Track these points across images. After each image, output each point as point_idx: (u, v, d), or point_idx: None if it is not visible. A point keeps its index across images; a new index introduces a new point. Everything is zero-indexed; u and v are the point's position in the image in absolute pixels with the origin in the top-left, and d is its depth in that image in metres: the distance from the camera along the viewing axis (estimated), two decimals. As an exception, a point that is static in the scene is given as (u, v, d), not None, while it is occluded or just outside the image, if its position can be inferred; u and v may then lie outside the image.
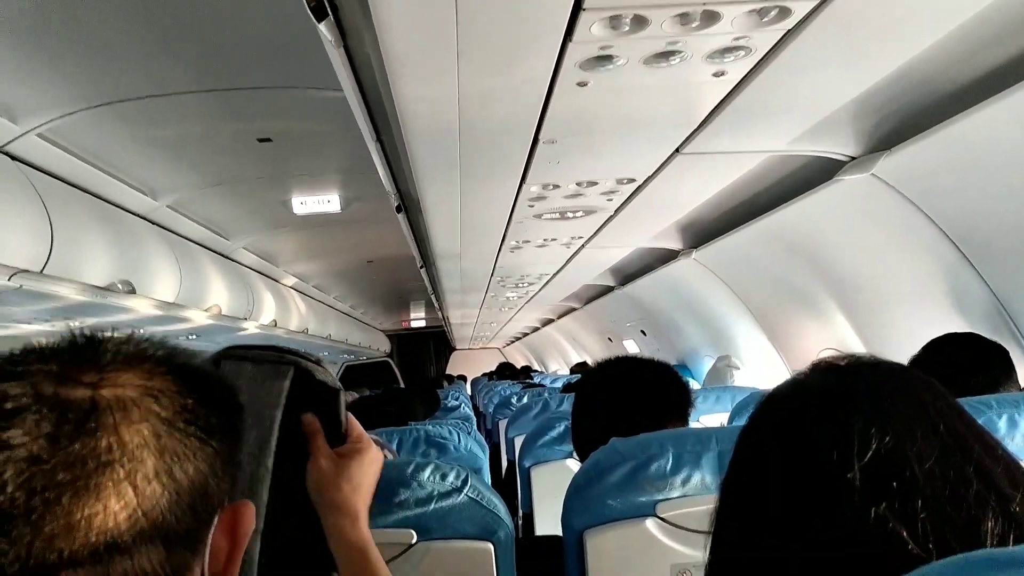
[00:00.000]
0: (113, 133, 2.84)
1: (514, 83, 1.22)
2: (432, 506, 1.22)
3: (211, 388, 0.56)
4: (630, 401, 1.48)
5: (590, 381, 1.57)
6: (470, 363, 13.65)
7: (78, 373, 0.49)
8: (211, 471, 0.52)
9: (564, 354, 9.69)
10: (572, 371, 6.83)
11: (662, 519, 1.27)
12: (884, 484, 0.54)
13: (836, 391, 0.61)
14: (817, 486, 0.57)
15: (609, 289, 5.11)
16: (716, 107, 1.57)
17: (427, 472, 1.23)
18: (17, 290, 2.56)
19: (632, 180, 2.03)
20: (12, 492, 0.44)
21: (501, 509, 1.27)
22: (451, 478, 1.24)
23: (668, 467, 1.28)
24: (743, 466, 0.67)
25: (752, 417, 0.68)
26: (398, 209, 2.59)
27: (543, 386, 5.15)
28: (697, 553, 1.27)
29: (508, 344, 14.27)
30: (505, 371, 7.87)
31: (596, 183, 2.03)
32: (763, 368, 3.55)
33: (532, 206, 2.20)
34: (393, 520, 1.20)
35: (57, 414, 0.46)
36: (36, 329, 3.53)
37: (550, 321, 8.60)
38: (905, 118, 1.89)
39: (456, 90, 1.22)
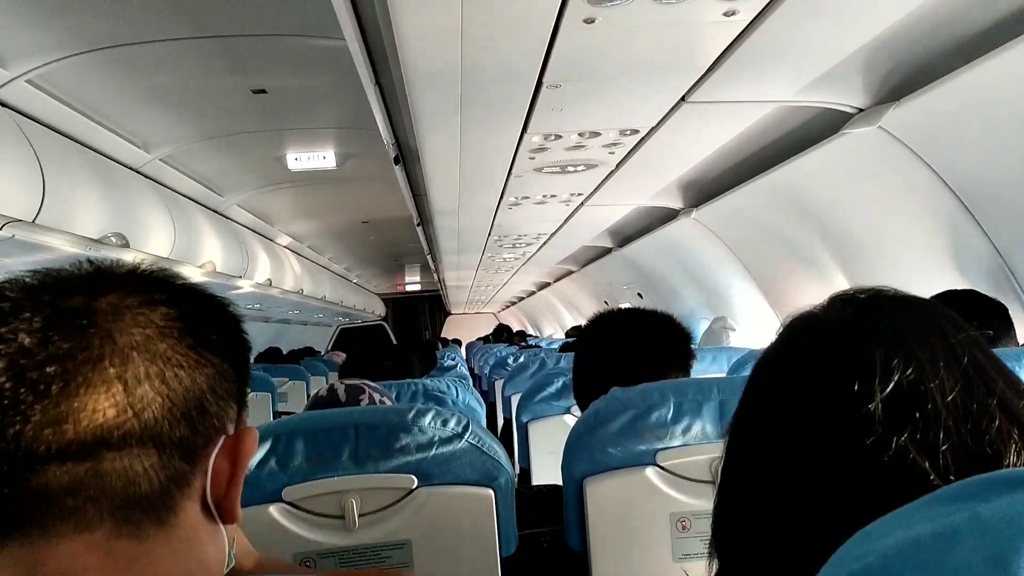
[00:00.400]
0: (104, 81, 2.78)
1: (519, 16, 1.18)
2: (433, 452, 1.21)
3: (210, 308, 0.55)
4: (632, 351, 1.47)
5: (592, 332, 1.56)
6: (465, 328, 13.67)
7: (77, 285, 0.50)
8: (209, 388, 0.51)
9: (559, 318, 9.71)
10: (567, 335, 6.85)
11: (662, 468, 1.27)
12: (906, 415, 0.53)
13: (856, 323, 0.59)
14: (835, 419, 0.56)
15: (607, 251, 5.09)
16: (725, 51, 1.53)
17: (428, 418, 1.22)
18: (9, 240, 2.52)
19: (635, 131, 2.00)
20: (2, 382, 0.44)
21: (502, 456, 1.26)
22: (452, 424, 1.23)
23: (669, 416, 1.27)
24: (755, 403, 0.66)
25: (765, 353, 0.67)
26: (396, 160, 2.54)
27: (539, 347, 5.16)
28: (697, 502, 1.28)
29: (503, 309, 14.29)
30: (502, 333, 7.88)
31: (599, 134, 1.99)
32: (759, 329, 3.55)
33: (533, 158, 2.16)
34: (393, 465, 1.19)
35: (50, 313, 0.47)
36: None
37: (546, 285, 8.59)
38: (916, 68, 1.85)
39: (459, 24, 1.18)
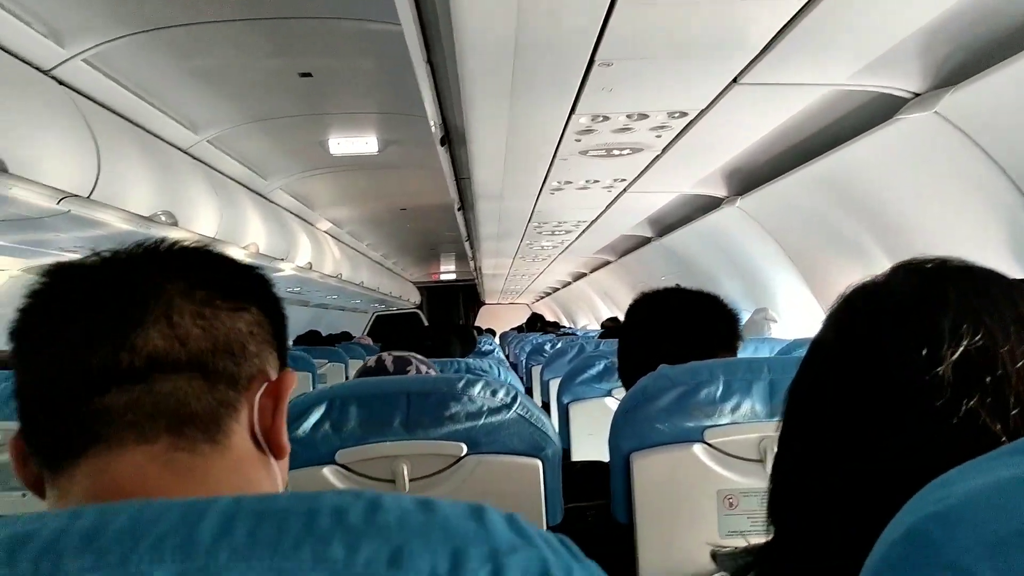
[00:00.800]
0: (156, 61, 2.84)
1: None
2: (482, 421, 1.22)
3: (242, 269, 0.62)
4: (678, 331, 1.46)
5: (638, 311, 1.55)
6: (498, 318, 13.71)
7: (125, 256, 0.58)
8: (248, 332, 0.58)
9: (594, 309, 9.67)
10: (603, 326, 6.81)
11: (710, 445, 1.27)
12: (974, 380, 0.52)
13: (923, 291, 0.58)
14: (901, 385, 0.55)
15: (646, 241, 5.05)
16: (780, 31, 1.51)
17: (477, 388, 1.23)
18: (64, 215, 2.59)
19: (684, 114, 1.98)
20: (70, 326, 0.53)
21: (549, 428, 1.27)
22: (501, 395, 1.24)
23: (718, 394, 1.27)
24: (814, 373, 0.65)
25: (825, 323, 0.66)
26: (442, 142, 2.56)
27: (576, 335, 5.16)
28: (745, 480, 1.27)
29: (537, 299, 14.29)
30: (535, 323, 7.86)
31: (647, 116, 1.97)
32: (802, 320, 3.50)
33: (579, 140, 2.15)
34: (443, 433, 1.21)
35: (104, 273, 0.57)
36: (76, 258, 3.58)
37: (582, 275, 8.56)
38: (975, 52, 1.80)
39: (517, -5, 1.18)
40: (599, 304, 9.19)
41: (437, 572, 0.34)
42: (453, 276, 13.51)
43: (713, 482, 1.25)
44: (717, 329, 1.48)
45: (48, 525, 0.33)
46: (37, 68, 2.52)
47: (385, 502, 0.37)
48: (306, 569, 0.32)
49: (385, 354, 1.50)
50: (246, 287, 0.60)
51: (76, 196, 2.54)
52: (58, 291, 0.56)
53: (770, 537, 0.66)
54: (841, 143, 2.40)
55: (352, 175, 5.04)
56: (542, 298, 13.66)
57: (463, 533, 0.36)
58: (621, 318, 5.49)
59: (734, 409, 1.27)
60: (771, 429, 1.25)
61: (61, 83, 2.64)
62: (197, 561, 0.32)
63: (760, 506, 1.35)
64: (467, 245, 6.28)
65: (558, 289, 11.27)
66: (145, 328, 0.53)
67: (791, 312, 3.61)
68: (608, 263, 6.78)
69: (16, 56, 2.39)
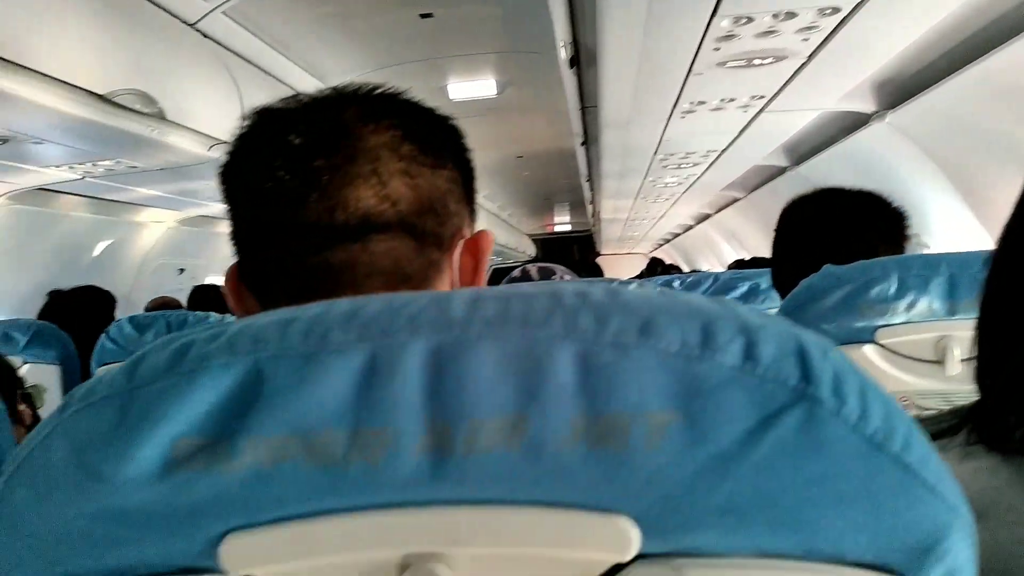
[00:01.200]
0: (287, 9, 2.93)
1: None
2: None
3: (437, 120, 0.61)
4: (838, 232, 1.38)
5: (794, 213, 1.47)
6: (614, 269, 13.55)
7: (324, 103, 0.57)
8: (447, 189, 0.57)
9: (718, 254, 9.36)
10: (730, 268, 6.56)
11: (882, 346, 1.19)
12: None
13: None
14: None
15: (780, 172, 4.79)
16: None
17: (631, 289, 1.20)
18: (213, 162, 2.75)
19: (836, 10, 1.82)
20: (283, 175, 0.53)
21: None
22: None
23: (891, 291, 1.19)
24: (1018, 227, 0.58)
25: None
26: (571, 63, 2.50)
27: (702, 271, 5.00)
28: (921, 381, 1.19)
29: (655, 248, 14.03)
30: (656, 268, 7.70)
31: (795, 15, 1.83)
32: (961, 246, 3.23)
33: (718, 48, 2.04)
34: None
35: (310, 121, 0.55)
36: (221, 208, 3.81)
37: (705, 217, 8.29)
38: None
39: None
40: (723, 247, 8.88)
41: (688, 342, 0.33)
42: (568, 227, 13.46)
43: (886, 384, 1.17)
44: (876, 226, 1.39)
45: (309, 311, 0.34)
46: (184, 21, 2.65)
47: (624, 288, 0.36)
48: (558, 337, 0.32)
49: (530, 265, 1.50)
50: (443, 140, 0.59)
51: (225, 143, 2.68)
52: (265, 137, 0.56)
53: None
54: (1015, 36, 2.15)
55: (470, 122, 4.94)
56: (660, 246, 13.39)
57: (709, 310, 0.35)
58: (747, 258, 5.25)
59: (909, 307, 1.19)
60: (951, 328, 1.16)
61: (205, 36, 2.77)
62: (452, 332, 0.32)
63: (939, 407, 1.26)
64: (587, 186, 6.21)
65: (678, 235, 10.99)
66: (356, 186, 0.53)
67: (947, 236, 3.33)
68: (735, 201, 6.51)
69: (166, 10, 2.53)
